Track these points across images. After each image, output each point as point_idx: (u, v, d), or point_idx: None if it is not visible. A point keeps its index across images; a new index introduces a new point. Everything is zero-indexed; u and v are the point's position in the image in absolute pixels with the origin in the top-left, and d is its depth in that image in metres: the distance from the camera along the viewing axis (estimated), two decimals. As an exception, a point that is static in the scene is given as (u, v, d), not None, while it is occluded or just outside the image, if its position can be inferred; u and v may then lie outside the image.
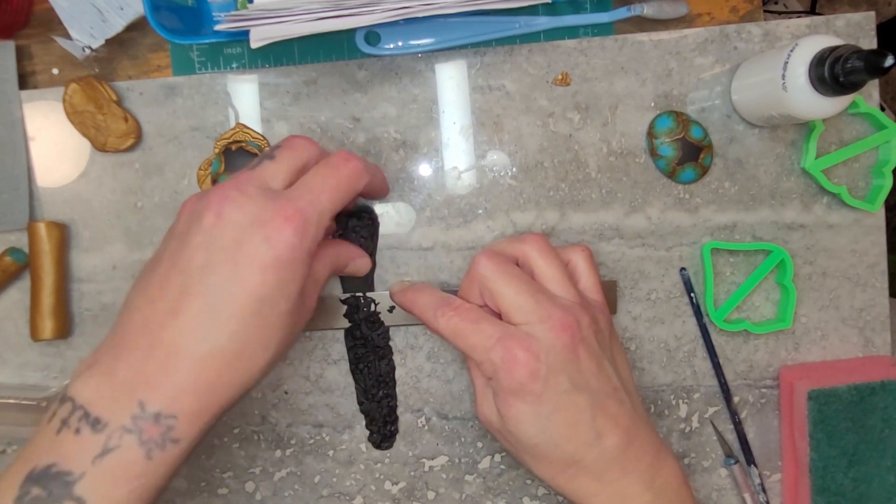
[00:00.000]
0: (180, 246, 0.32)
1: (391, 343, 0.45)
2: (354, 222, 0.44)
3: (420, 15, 0.39)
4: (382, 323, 0.44)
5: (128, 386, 0.30)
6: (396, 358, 0.45)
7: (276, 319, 0.32)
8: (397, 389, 0.45)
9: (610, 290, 0.44)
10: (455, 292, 0.39)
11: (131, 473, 0.29)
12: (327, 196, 0.34)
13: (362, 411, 0.45)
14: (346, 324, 0.44)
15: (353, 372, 0.45)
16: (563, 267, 0.38)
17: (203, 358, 0.30)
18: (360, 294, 0.44)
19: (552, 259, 0.38)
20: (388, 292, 0.44)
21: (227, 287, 0.31)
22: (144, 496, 0.29)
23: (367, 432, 0.45)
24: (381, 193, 0.43)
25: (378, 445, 0.45)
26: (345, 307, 0.44)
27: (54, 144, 0.45)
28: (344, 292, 0.44)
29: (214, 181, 0.44)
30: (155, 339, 0.30)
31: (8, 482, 0.29)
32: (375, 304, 0.44)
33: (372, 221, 0.44)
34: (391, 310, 0.44)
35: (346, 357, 0.45)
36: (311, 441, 0.46)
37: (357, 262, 0.42)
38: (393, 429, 0.45)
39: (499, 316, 0.37)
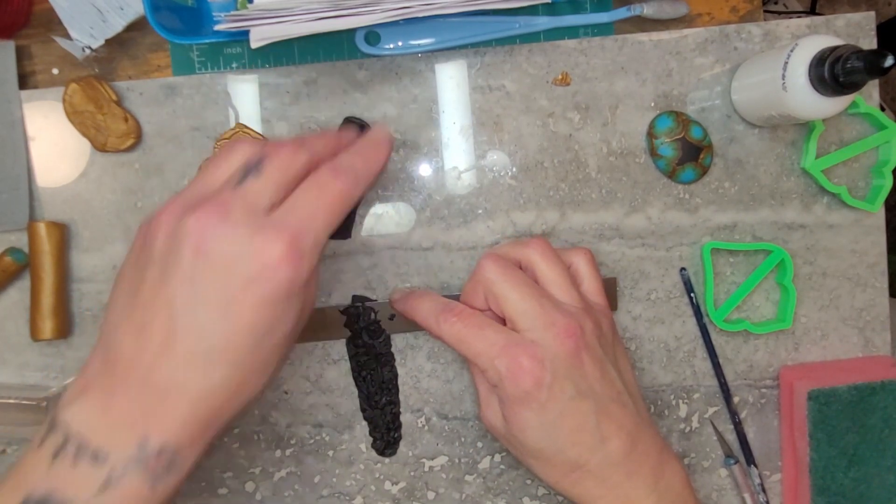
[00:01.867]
0: (162, 276, 0.29)
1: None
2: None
3: (420, 15, 0.39)
4: (384, 331, 0.44)
5: (127, 419, 0.28)
6: (396, 358, 0.45)
7: (274, 348, 0.30)
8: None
9: (610, 288, 0.44)
10: (455, 297, 0.39)
11: None
12: (321, 220, 0.30)
13: (365, 418, 0.45)
14: (347, 333, 0.44)
15: (355, 379, 0.45)
16: (565, 271, 0.38)
17: (201, 397, 0.29)
18: (360, 304, 0.44)
19: (555, 263, 0.38)
20: (387, 301, 0.44)
21: (220, 325, 0.28)
22: None
23: (368, 433, 0.45)
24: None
25: (381, 452, 0.45)
26: (344, 317, 0.44)
27: (54, 144, 0.45)
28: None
29: None
30: (147, 378, 0.29)
31: None
32: (375, 313, 0.44)
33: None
34: (392, 318, 0.44)
35: (347, 356, 0.45)
36: (311, 441, 0.45)
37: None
38: (396, 436, 0.45)
39: (501, 320, 0.37)
